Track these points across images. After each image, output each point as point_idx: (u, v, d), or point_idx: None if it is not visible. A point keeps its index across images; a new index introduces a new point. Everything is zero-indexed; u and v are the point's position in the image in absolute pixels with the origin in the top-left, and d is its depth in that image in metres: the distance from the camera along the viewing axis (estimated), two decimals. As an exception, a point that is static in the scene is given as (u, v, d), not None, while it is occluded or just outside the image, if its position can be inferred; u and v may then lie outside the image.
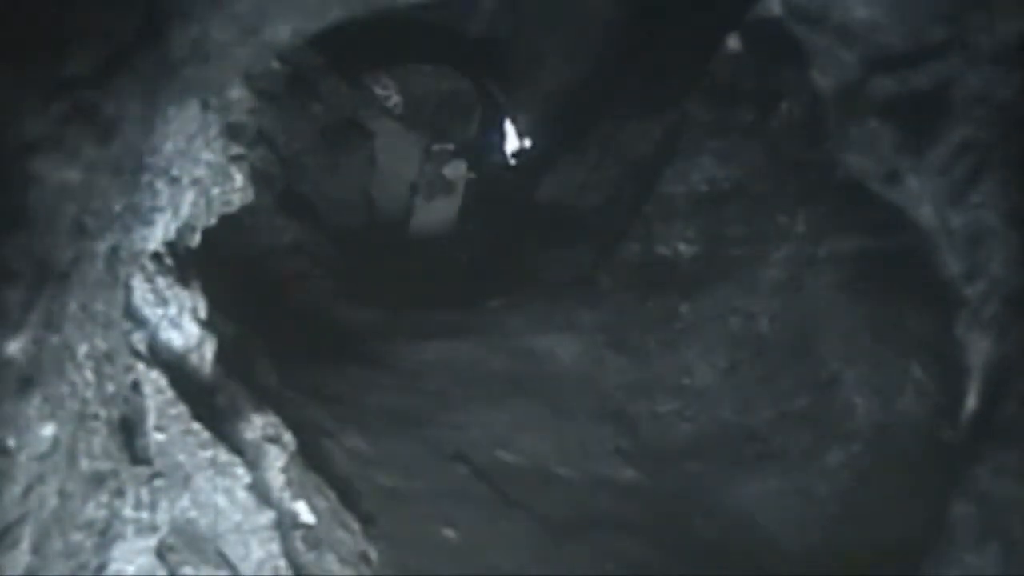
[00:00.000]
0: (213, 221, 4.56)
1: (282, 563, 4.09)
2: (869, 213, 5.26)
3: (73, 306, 3.09)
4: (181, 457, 3.81)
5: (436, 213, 8.94)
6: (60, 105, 2.73)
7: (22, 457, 2.74)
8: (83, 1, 2.74)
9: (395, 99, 9.16)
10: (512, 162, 9.68)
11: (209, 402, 4.22)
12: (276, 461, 4.33)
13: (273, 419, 4.50)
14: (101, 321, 3.35)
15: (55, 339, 2.94)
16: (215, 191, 4.42)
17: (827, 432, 5.49)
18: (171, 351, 4.08)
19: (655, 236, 6.99)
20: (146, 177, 3.68)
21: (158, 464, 3.68)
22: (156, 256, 4.01)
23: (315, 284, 7.01)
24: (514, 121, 9.67)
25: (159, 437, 3.73)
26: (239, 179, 4.60)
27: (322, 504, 4.54)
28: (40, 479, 2.84)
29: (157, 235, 3.87)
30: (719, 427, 5.92)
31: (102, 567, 3.29)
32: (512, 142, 9.68)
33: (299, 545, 4.25)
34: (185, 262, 4.31)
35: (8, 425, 2.68)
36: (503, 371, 6.45)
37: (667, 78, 8.14)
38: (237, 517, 3.98)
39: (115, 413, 3.43)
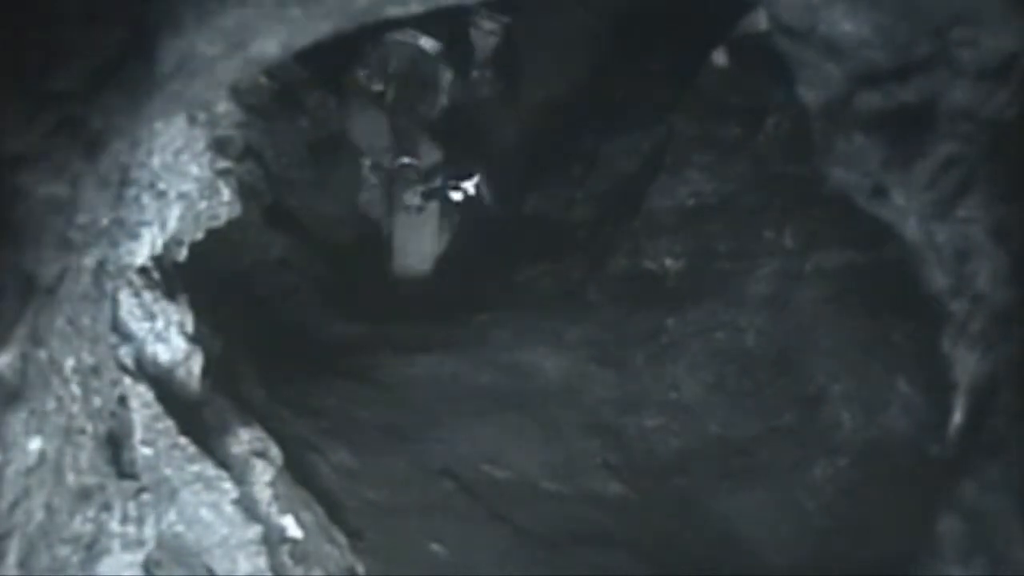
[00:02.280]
0: (200, 235, 4.57)
1: (269, 577, 4.09)
2: (855, 228, 5.27)
3: (60, 320, 3.09)
4: (168, 471, 3.81)
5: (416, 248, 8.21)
6: (47, 119, 2.73)
7: (9, 472, 2.74)
8: (70, 15, 2.74)
9: (376, 81, 8.06)
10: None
11: (196, 416, 4.22)
12: (263, 475, 4.33)
13: (260, 433, 4.50)
14: (88, 335, 3.35)
15: (42, 353, 2.95)
16: (202, 205, 4.42)
17: (814, 446, 5.49)
18: (158, 365, 4.08)
19: (642, 250, 7.00)
20: (133, 191, 3.68)
21: (145, 478, 3.67)
22: (143, 270, 4.01)
23: (302, 298, 7.01)
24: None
25: (146, 451, 3.73)
26: (226, 193, 4.60)
27: (309, 519, 4.54)
28: (27, 493, 2.84)
29: (144, 249, 3.87)
30: (706, 441, 5.91)
31: (89, 582, 3.29)
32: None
33: (286, 560, 4.25)
34: (172, 276, 4.31)
35: (-5, 440, 2.68)
36: (490, 386, 6.44)
37: (653, 93, 8.15)
38: (224, 532, 3.98)
39: (102, 427, 3.43)
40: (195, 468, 3.92)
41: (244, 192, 5.12)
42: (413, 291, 7.91)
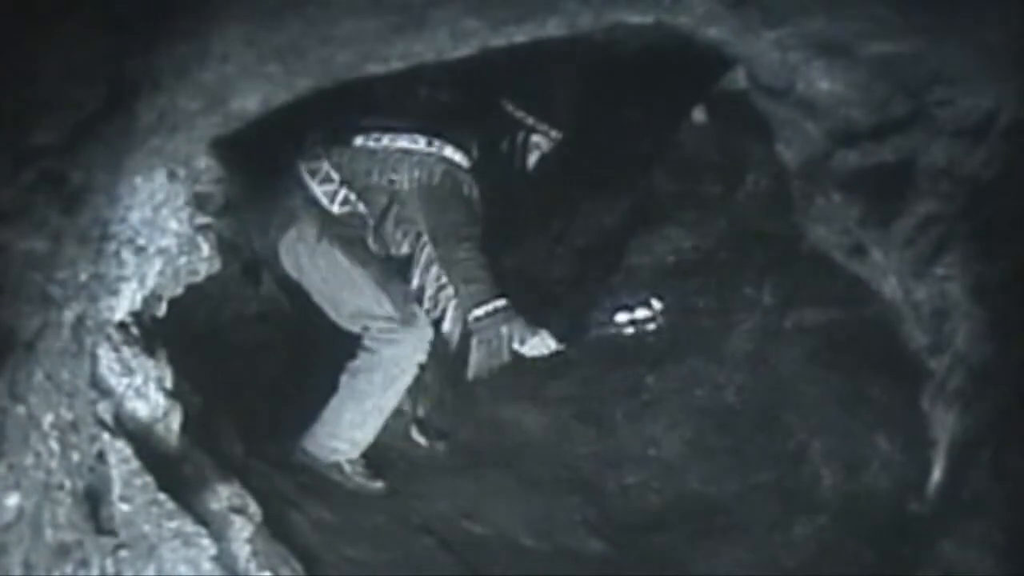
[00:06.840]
0: (180, 291, 4.57)
1: (247, 634, 4.07)
2: (835, 285, 5.28)
3: (39, 375, 3.08)
4: (146, 527, 3.79)
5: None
6: (27, 174, 2.73)
7: (-14, 527, 2.73)
8: (51, 70, 2.75)
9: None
10: None
11: (175, 472, 4.20)
12: (242, 532, 4.30)
13: (239, 489, 4.48)
14: (67, 391, 3.34)
15: (20, 409, 2.93)
16: (182, 260, 4.42)
17: (794, 504, 5.47)
18: (137, 421, 4.06)
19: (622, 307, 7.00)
20: (112, 246, 3.68)
21: (123, 535, 3.65)
22: (122, 326, 4.00)
23: (281, 354, 6.97)
24: None
25: (124, 507, 3.71)
26: (206, 248, 4.60)
27: (288, 575, 4.51)
28: (4, 550, 2.82)
29: (123, 305, 3.86)
30: (686, 498, 5.89)
31: (66, 639, 3.26)
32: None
33: (264, 616, 4.23)
34: (151, 332, 4.30)
35: (-28, 496, 2.67)
36: (470, 441, 6.43)
37: (633, 150, 8.16)
38: (203, 588, 3.96)
39: (80, 483, 3.41)
40: (173, 524, 3.90)
41: (223, 247, 5.11)
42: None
